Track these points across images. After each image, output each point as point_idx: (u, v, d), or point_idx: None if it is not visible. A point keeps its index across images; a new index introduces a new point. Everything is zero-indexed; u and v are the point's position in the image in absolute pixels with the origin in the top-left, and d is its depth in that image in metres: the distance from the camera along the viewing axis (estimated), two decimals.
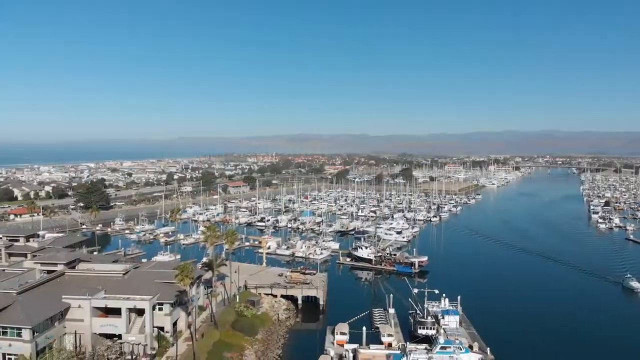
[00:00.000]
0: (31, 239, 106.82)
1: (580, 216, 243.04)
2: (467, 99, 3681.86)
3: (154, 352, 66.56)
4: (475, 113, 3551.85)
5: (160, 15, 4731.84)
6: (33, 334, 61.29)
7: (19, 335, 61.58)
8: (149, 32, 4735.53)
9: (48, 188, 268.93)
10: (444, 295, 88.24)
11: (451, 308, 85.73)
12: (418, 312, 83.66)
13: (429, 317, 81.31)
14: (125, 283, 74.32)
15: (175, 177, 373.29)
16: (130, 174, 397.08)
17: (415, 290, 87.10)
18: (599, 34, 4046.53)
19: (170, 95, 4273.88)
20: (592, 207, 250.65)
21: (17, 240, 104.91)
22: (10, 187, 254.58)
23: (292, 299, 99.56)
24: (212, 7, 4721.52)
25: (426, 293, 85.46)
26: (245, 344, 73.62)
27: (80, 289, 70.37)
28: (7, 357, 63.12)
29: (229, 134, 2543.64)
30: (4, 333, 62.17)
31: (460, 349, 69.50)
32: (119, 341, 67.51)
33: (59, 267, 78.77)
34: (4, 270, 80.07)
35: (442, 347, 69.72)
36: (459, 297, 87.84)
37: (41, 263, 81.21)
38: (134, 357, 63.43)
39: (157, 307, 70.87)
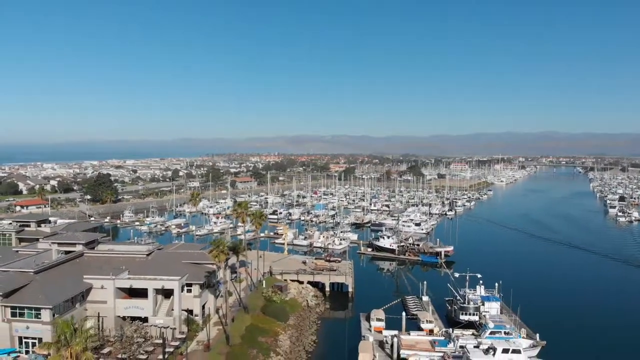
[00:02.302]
0: (42, 225, 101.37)
1: (596, 210, 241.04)
2: (468, 100, 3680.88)
3: (183, 336, 61.52)
4: (476, 114, 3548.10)
5: (161, 18, 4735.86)
6: (53, 315, 56.14)
7: (37, 316, 56.61)
8: (149, 34, 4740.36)
9: (53, 182, 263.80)
10: (481, 282, 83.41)
11: (490, 295, 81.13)
12: (458, 298, 79.08)
13: (471, 303, 76.85)
14: (150, 264, 69.25)
15: (181, 173, 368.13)
16: (135, 171, 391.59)
17: (457, 275, 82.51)
18: (598, 34, 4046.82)
19: (170, 96, 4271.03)
20: (609, 202, 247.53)
21: (29, 226, 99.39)
22: (15, 181, 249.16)
23: (318, 285, 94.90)
24: (212, 8, 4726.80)
25: (467, 278, 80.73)
26: (278, 329, 68.81)
27: (102, 270, 65.51)
28: (24, 340, 58.21)
29: (229, 135, 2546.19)
30: (21, 314, 57.16)
31: (512, 334, 64.94)
32: (145, 324, 62.55)
33: (78, 248, 73.74)
34: (17, 251, 75.29)
35: (491, 332, 65.30)
36: (496, 284, 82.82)
37: (58, 243, 76.05)
38: (162, 340, 58.35)
39: (186, 288, 65.97)
